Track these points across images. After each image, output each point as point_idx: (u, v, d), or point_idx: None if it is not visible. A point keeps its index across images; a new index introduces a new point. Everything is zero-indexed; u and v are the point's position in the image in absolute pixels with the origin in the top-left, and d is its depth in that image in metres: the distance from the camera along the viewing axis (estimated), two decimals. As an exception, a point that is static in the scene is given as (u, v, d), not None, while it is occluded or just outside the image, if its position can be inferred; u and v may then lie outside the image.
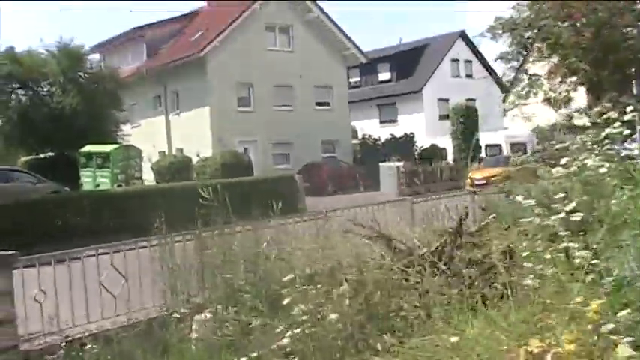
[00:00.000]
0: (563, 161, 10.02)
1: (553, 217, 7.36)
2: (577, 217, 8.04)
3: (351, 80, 54.18)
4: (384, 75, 59.94)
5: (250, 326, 7.52)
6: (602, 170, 9.86)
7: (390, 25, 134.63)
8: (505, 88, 63.66)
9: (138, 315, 8.65)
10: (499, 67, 63.10)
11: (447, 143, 49.37)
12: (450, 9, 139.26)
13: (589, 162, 10.31)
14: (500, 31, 20.03)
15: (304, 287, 5.64)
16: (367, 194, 37.96)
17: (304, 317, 5.31)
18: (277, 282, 8.86)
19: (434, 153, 48.25)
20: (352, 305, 5.69)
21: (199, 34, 44.29)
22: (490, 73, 61.31)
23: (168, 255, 8.81)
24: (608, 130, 12.48)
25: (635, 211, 8.58)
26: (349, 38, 47.63)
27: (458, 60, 59.34)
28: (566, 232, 6.11)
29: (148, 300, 8.91)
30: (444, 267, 7.30)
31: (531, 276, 6.21)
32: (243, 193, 29.84)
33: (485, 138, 48.50)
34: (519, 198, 8.53)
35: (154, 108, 46.74)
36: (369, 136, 51.74)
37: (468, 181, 38.32)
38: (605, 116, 11.74)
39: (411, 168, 41.83)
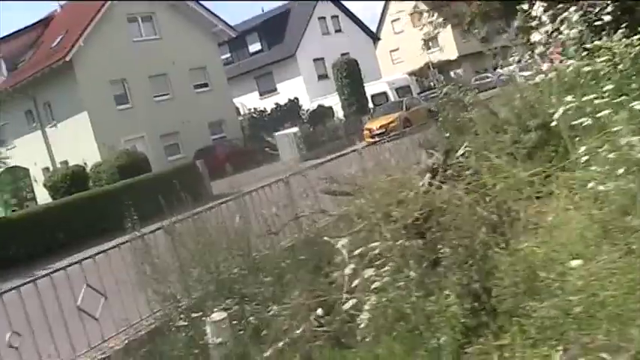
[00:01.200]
0: (544, 67, 9.54)
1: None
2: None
3: (222, 57, 52.69)
4: (255, 46, 58.70)
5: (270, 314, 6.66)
6: (587, 69, 9.43)
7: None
8: (376, 37, 63.92)
9: (130, 334, 7.54)
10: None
11: (332, 101, 48.99)
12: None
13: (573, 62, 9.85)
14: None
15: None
16: (269, 166, 37.12)
17: (377, 283, 4.47)
18: (276, 259, 8.02)
19: (323, 113, 47.78)
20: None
21: (60, 38, 41.81)
22: (359, 25, 61.27)
23: (144, 255, 7.69)
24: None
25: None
26: (215, 14, 46.30)
27: (325, 17, 58.84)
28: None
29: (133, 313, 7.79)
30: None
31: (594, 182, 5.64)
32: (148, 191, 28.51)
33: (369, 89, 48.49)
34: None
35: (27, 124, 43.95)
36: (254, 109, 50.69)
37: (366, 132, 37.98)
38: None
39: (307, 131, 41.20)
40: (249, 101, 54.64)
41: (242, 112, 52.27)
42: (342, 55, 51.53)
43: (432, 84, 60.77)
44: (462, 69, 75.93)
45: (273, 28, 57.21)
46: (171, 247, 8.06)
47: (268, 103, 51.85)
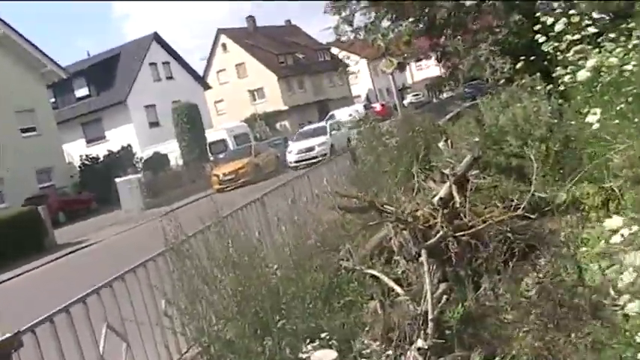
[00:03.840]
0: (590, 63, 8.70)
1: None
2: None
3: (48, 101, 49.08)
4: (82, 91, 55.43)
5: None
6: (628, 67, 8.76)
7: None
8: (207, 86, 62.93)
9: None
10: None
11: (167, 148, 47.18)
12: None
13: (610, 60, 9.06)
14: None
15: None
16: (110, 215, 34.75)
17: None
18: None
19: (158, 160, 45.79)
20: None
21: None
22: (190, 73, 60.02)
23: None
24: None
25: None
26: (44, 54, 43.30)
27: (156, 63, 57.07)
28: None
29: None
30: None
31: None
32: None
33: (208, 136, 47.21)
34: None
35: None
36: (86, 156, 47.48)
37: (214, 178, 36.49)
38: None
39: (149, 178, 39.11)
40: (75, 149, 51.32)
41: (67, 161, 48.83)
42: (174, 102, 49.96)
43: (257, 135, 60.32)
44: (288, 121, 76.30)
45: (102, 73, 54.47)
46: (181, 273, 6.35)
47: (96, 151, 48.89)
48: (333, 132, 39.55)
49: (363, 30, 19.07)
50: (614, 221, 3.50)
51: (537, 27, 9.44)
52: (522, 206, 6.08)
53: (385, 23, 18.41)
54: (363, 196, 8.07)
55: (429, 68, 72.93)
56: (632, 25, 11.67)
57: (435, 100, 77.83)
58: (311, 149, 36.92)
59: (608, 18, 14.61)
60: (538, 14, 16.21)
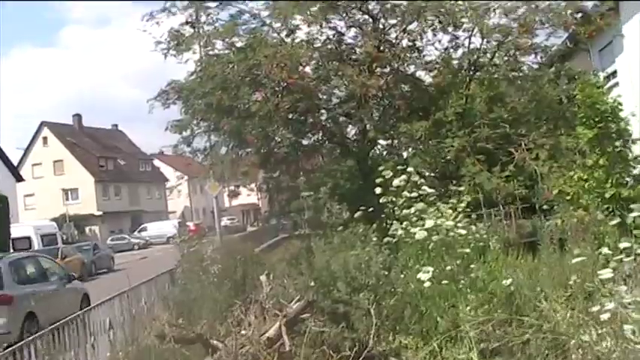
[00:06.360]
0: (428, 223, 8.95)
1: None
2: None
3: None
4: None
5: None
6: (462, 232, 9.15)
7: None
8: (20, 178, 60.06)
9: None
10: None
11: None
12: None
13: (447, 223, 9.36)
14: (175, 97, 17.86)
15: None
16: None
17: None
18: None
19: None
20: None
21: None
22: (4, 161, 56.96)
23: None
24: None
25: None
26: None
27: (-30, 148, 53.79)
28: None
29: None
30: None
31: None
32: None
33: (12, 231, 44.49)
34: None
35: None
36: None
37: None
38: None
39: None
40: None
41: None
42: (-22, 191, 46.94)
43: (64, 237, 57.82)
44: (99, 227, 74.23)
45: None
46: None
47: None
48: None
49: (201, 153, 19.14)
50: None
51: (378, 180, 9.88)
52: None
53: (223, 149, 18.60)
54: (191, 328, 7.85)
55: (242, 195, 73.67)
56: (461, 188, 12.58)
57: (249, 228, 78.59)
58: None
59: (435, 176, 15.56)
60: (370, 162, 17.00)
